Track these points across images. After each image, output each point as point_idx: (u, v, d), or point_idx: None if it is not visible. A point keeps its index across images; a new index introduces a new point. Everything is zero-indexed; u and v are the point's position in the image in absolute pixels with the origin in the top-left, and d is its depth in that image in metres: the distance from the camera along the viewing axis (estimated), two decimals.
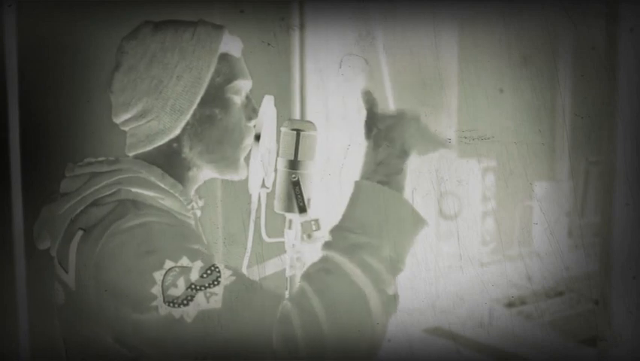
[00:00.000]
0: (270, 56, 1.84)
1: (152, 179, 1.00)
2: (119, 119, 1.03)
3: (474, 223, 2.55)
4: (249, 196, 1.07)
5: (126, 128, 1.04)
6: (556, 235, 2.44)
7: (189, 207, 1.04)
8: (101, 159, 1.03)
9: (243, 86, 1.04)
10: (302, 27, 1.88)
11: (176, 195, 1.02)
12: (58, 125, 1.56)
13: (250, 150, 1.05)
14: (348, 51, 1.98)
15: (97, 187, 0.97)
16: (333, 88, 2.06)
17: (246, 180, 1.07)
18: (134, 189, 0.97)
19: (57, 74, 1.56)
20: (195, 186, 1.08)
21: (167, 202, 1.00)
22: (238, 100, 1.04)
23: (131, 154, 1.04)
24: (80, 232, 0.93)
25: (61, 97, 1.56)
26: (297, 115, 1.95)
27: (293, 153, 1.03)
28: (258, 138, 1.03)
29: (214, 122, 1.02)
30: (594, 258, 1.39)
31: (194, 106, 1.00)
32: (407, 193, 0.96)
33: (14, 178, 1.51)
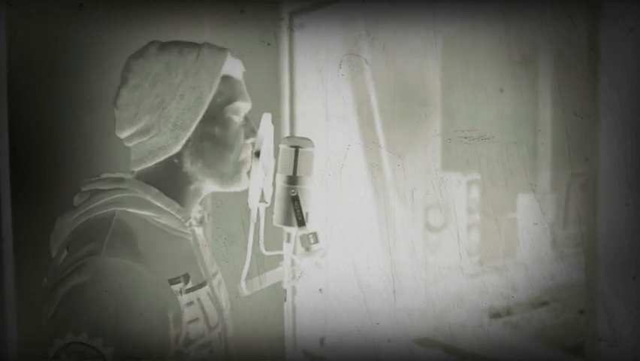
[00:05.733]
0: (265, 57, 1.84)
1: (149, 198, 1.03)
2: (122, 134, 1.07)
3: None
4: (249, 211, 1.10)
5: (130, 144, 1.07)
6: (558, 241, 2.44)
7: (187, 224, 1.07)
8: (108, 175, 1.07)
9: (243, 107, 1.08)
10: (291, 28, 1.88)
11: (173, 213, 1.04)
12: (48, 129, 1.56)
13: (250, 165, 1.08)
14: (348, 51, 1.98)
15: (95, 205, 1.01)
16: (333, 88, 2.06)
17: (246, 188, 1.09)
18: (130, 210, 1.01)
19: (49, 78, 1.56)
20: (198, 200, 1.11)
21: (164, 220, 1.04)
22: (237, 120, 1.07)
23: (135, 169, 1.07)
24: (65, 252, 0.97)
25: (53, 103, 1.56)
26: (285, 115, 1.95)
27: (292, 169, 1.06)
28: (257, 154, 1.05)
29: (213, 139, 1.05)
30: (590, 264, 1.39)
31: (196, 124, 1.03)
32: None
33: (3, 180, 1.51)
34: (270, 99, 1.88)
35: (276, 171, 1.09)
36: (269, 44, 1.84)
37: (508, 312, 2.36)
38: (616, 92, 1.31)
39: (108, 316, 0.87)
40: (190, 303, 1.02)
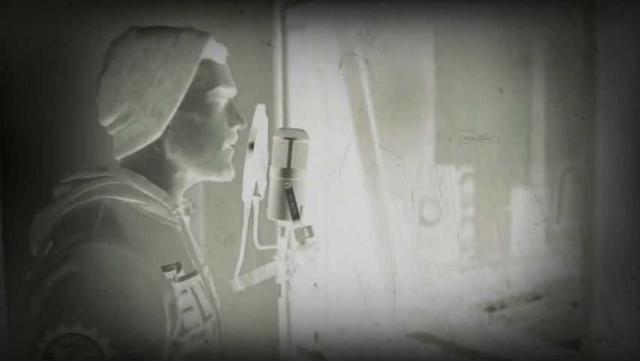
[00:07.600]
0: (262, 57, 1.84)
1: (136, 186, 1.01)
2: (104, 122, 1.05)
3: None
4: (242, 204, 1.09)
5: (112, 132, 1.06)
6: (551, 235, 2.44)
7: (174, 212, 1.05)
8: (89, 166, 1.05)
9: (225, 92, 1.06)
10: (291, 28, 1.88)
11: (160, 200, 1.03)
12: (47, 129, 1.55)
13: (233, 153, 1.07)
14: (348, 51, 1.98)
15: (80, 194, 0.99)
16: (333, 88, 2.06)
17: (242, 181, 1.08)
18: (116, 197, 0.99)
19: (49, 78, 1.56)
20: (183, 190, 1.09)
21: (151, 208, 1.02)
22: (220, 106, 1.05)
23: (118, 157, 1.06)
24: (51, 243, 0.94)
25: (52, 102, 1.56)
26: (287, 114, 1.95)
27: (286, 161, 1.04)
28: (251, 146, 1.04)
29: (193, 126, 1.03)
30: (585, 258, 1.39)
31: (175, 110, 1.02)
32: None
33: None
34: (269, 99, 1.88)
35: (269, 163, 1.07)
36: (269, 44, 1.84)
37: (502, 306, 2.37)
38: (616, 92, 1.31)
39: (102, 304, 0.85)
40: (184, 291, 1.00)
